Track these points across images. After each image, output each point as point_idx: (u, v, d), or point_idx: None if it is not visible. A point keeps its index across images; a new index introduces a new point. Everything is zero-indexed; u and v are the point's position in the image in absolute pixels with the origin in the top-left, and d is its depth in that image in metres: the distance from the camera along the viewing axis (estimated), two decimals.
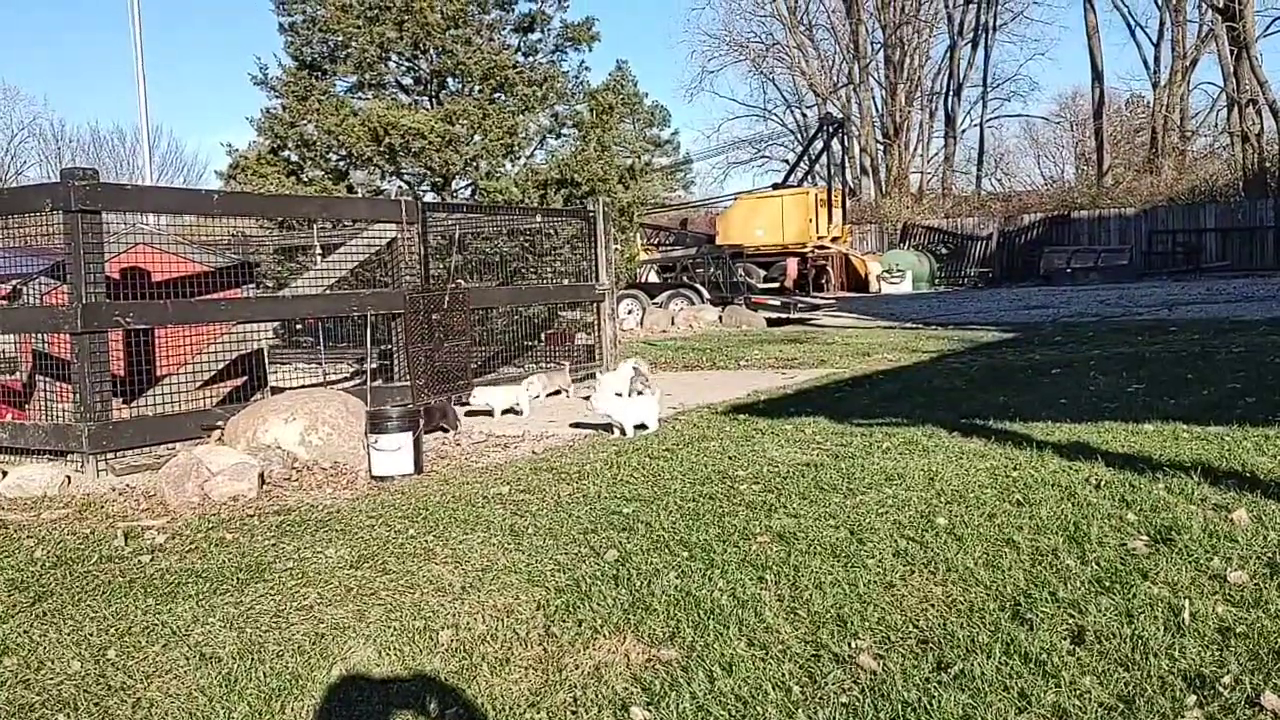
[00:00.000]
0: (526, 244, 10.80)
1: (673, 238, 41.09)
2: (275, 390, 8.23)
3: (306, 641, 3.24)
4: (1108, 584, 3.24)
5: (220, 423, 7.10)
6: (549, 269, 10.98)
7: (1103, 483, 4.56)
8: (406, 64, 14.98)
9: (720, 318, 18.00)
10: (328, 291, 8.11)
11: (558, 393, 8.74)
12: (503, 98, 14.91)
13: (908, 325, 16.90)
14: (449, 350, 9.07)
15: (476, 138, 14.53)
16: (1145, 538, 3.71)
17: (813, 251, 36.47)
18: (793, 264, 36.09)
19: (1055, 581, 3.29)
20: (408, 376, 8.57)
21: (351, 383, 10.86)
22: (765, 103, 66.44)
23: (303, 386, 9.11)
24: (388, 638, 3.22)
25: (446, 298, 8.90)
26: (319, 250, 8.79)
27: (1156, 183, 41.65)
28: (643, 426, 7.12)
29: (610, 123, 16.05)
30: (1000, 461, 5.26)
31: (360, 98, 15.12)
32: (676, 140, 64.91)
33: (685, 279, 21.74)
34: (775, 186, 39.48)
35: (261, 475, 5.94)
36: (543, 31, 15.88)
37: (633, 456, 6.06)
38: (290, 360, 12.12)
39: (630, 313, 19.57)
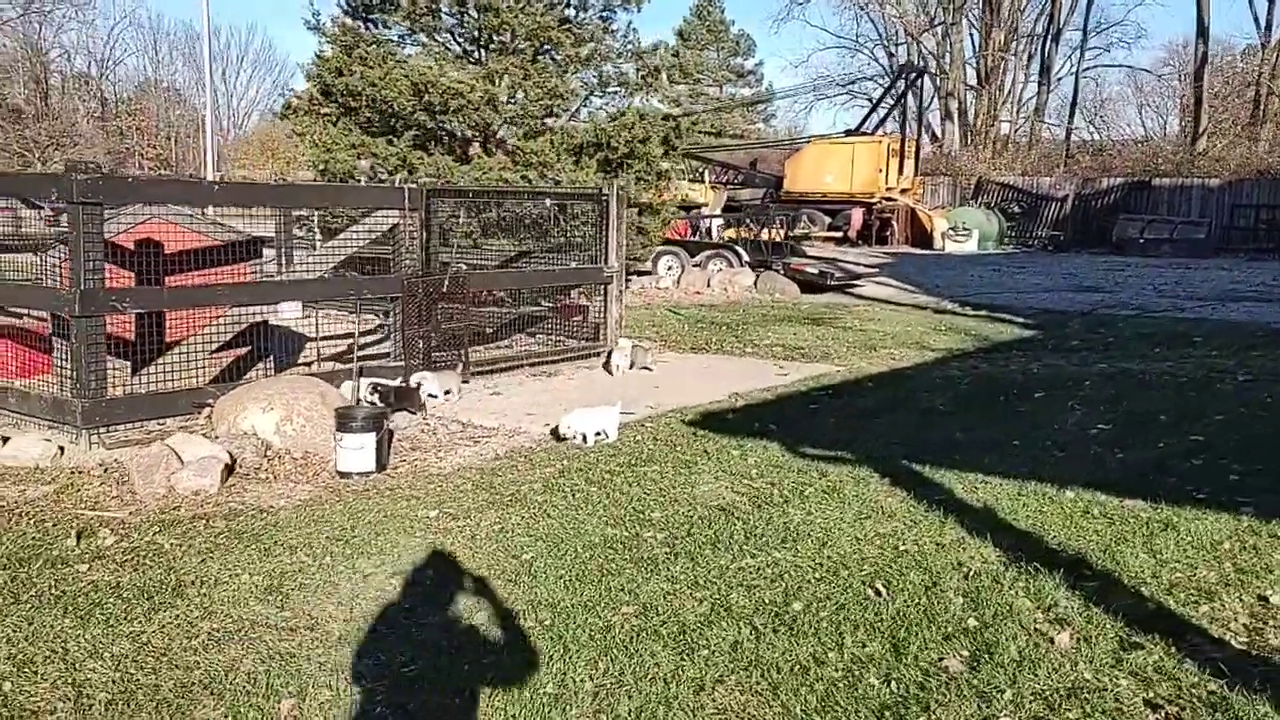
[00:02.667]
0: (538, 225, 11.04)
1: (741, 177, 40.90)
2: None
3: (171, 695, 3.66)
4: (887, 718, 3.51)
5: (211, 400, 7.60)
6: (560, 248, 11.21)
7: (973, 573, 4.77)
8: (454, 19, 15.14)
9: (755, 283, 18.08)
10: (326, 276, 8.51)
11: (448, 392, 8.94)
12: (546, 58, 15.03)
13: (941, 306, 16.84)
14: (446, 334, 9.44)
15: (519, 96, 14.71)
16: (964, 654, 3.94)
17: (880, 202, 36.11)
18: (858, 214, 35.83)
19: (844, 706, 3.57)
20: (402, 356, 8.98)
21: (374, 336, 11.34)
22: (857, 36, 64.66)
23: (308, 367, 9.53)
24: (240, 700, 3.62)
25: (446, 282, 9.25)
26: (318, 236, 9.17)
27: (1250, 152, 40.07)
28: (602, 434, 7.43)
29: (657, 84, 16.06)
30: (903, 525, 5.48)
31: (410, 50, 15.37)
32: (760, 71, 63.89)
33: (728, 235, 21.76)
34: (849, 132, 38.94)
35: (228, 467, 6.41)
36: None
37: (573, 478, 6.39)
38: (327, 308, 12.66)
39: (670, 269, 19.74)
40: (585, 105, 15.78)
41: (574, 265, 10.78)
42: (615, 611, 4.36)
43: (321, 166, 14.25)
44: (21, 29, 58.96)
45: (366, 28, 15.49)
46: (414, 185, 8.97)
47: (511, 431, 7.87)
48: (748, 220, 22.39)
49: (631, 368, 10.35)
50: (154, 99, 63.67)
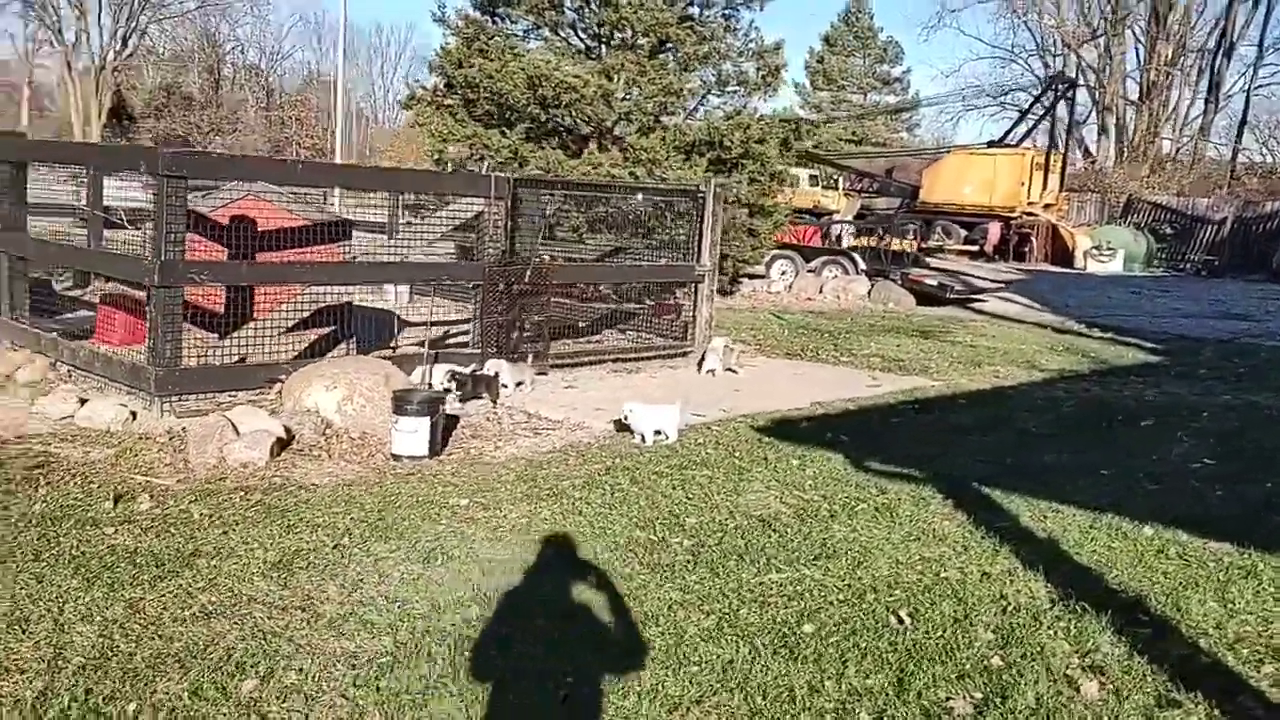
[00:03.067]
0: (637, 221, 10.87)
1: (876, 185, 40.00)
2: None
3: (143, 665, 3.63)
4: None
5: (283, 377, 7.70)
6: (660, 245, 11.02)
7: (1013, 607, 4.39)
8: (575, 14, 15.14)
9: (869, 292, 17.55)
10: (406, 259, 8.54)
11: (520, 384, 8.82)
12: (664, 56, 14.89)
13: (1065, 326, 16.00)
14: (527, 324, 9.38)
15: (634, 92, 14.61)
16: (975, 696, 3.60)
17: (1020, 217, 34.70)
18: (995, 228, 34.53)
19: None
20: (480, 344, 8.96)
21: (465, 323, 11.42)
22: (1012, 46, 62.55)
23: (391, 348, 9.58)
24: (205, 676, 3.56)
25: (529, 271, 9.19)
26: (400, 219, 9.22)
27: None
28: (661, 434, 7.22)
29: (776, 84, 15.75)
30: (951, 550, 5.11)
31: (533, 45, 15.44)
32: (907, 79, 62.43)
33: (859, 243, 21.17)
34: (991, 143, 37.62)
35: (281, 441, 6.45)
36: None
37: (618, 476, 6.21)
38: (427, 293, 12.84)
39: (783, 273, 19.34)
40: (702, 104, 15.58)
41: (663, 262, 10.57)
42: (617, 619, 4.16)
43: (436, 156, 14.44)
44: (200, 21, 62.46)
45: (493, 22, 15.64)
46: (501, 174, 8.92)
47: (575, 425, 7.74)
48: (879, 229, 21.79)
49: (715, 372, 10.14)
50: (315, 91, 66.28)
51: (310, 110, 64.36)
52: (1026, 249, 34.89)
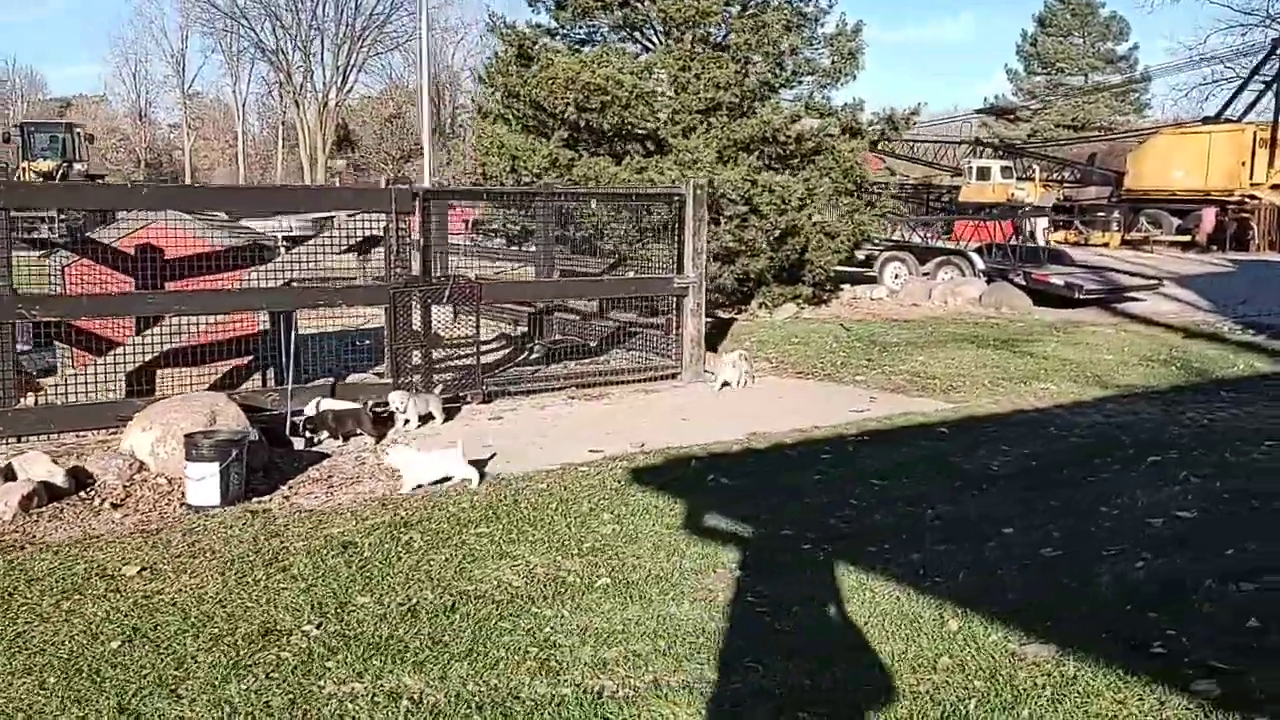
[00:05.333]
0: (598, 229, 9.84)
1: (1077, 174, 36.56)
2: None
3: None
4: None
5: (133, 414, 7.24)
6: (625, 255, 9.95)
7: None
8: (620, 13, 14.21)
9: (981, 297, 15.57)
10: (291, 284, 7.92)
11: (426, 418, 7.92)
12: (705, 49, 13.72)
13: (1210, 330, 13.54)
14: (450, 348, 8.59)
15: (678, 92, 13.53)
16: None
17: (1240, 201, 30.58)
18: (1209, 214, 30.63)
19: None
20: (393, 374, 8.23)
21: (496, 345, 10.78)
22: (1269, 13, 55.75)
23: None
24: None
25: (447, 292, 8.39)
26: (285, 242, 8.62)
27: None
28: (456, 479, 6.29)
29: (849, 69, 14.24)
30: (648, 648, 3.89)
31: (588, 51, 14.65)
32: (1134, 56, 57.12)
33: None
34: (1207, 120, 33.54)
35: (39, 492, 5.90)
36: None
37: (370, 537, 5.29)
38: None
39: (896, 277, 17.58)
40: (766, 99, 14.20)
41: (631, 275, 9.49)
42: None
43: (479, 169, 13.89)
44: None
45: (538, 31, 14.91)
46: (403, 187, 8.17)
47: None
48: (1017, 222, 19.51)
49: (730, 385, 9.29)
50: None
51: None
52: (1248, 236, 30.70)
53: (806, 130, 13.81)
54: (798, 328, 13.07)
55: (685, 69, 13.30)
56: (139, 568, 4.86)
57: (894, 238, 18.48)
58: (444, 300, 8.39)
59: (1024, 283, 15.63)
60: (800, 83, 14.58)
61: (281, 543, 5.22)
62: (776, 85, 14.30)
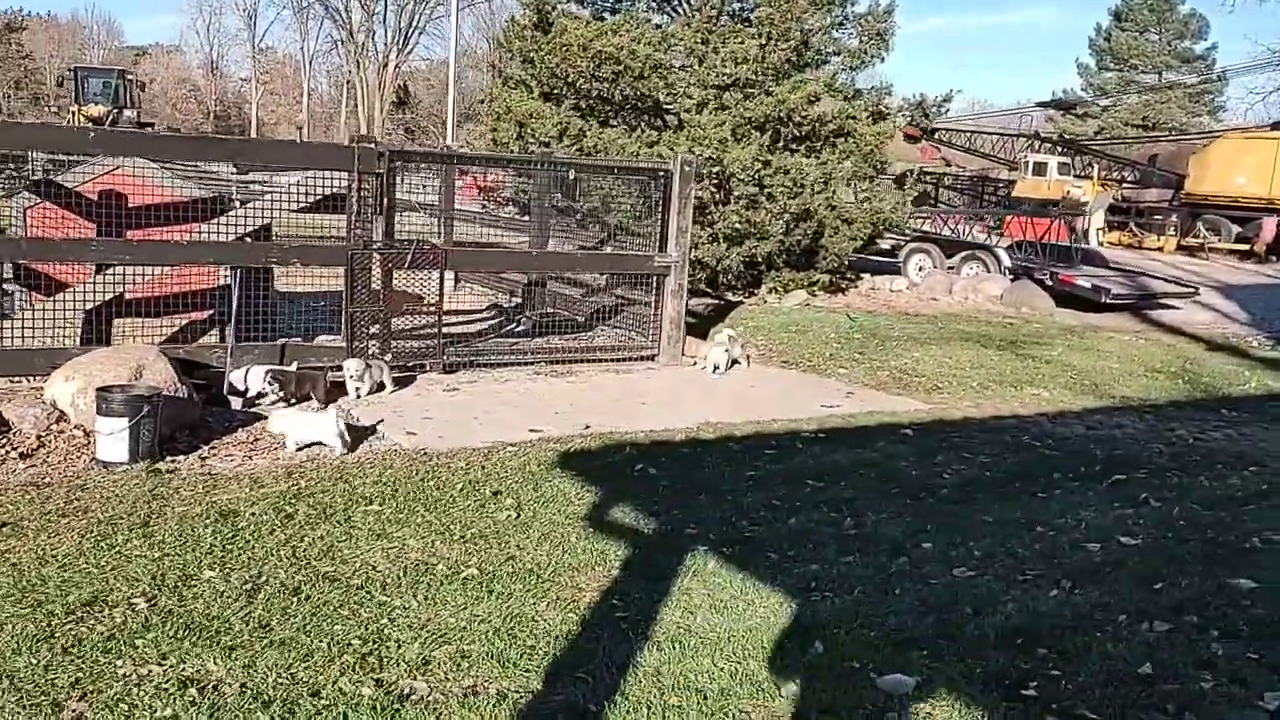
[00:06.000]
0: (575, 202, 9.52)
1: (1138, 175, 35.39)
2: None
3: None
4: None
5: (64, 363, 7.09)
6: (613, 230, 9.62)
7: None
8: None
9: (1002, 295, 14.99)
10: (245, 241, 7.71)
11: (379, 387, 7.73)
12: (727, 21, 13.28)
13: (1233, 343, 12.92)
14: (409, 315, 8.36)
15: (695, 64, 13.12)
16: None
17: None
18: (1270, 224, 29.48)
19: None
20: (348, 339, 8.01)
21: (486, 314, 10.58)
22: None
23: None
24: None
25: (409, 256, 8.14)
26: (236, 197, 8.40)
27: None
28: (318, 444, 6.16)
29: (876, 51, 13.72)
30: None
31: (606, 17, 14.29)
32: (1212, 56, 55.19)
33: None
34: (1276, 125, 32.21)
35: None
36: None
37: (252, 508, 5.06)
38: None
39: (920, 269, 17.02)
40: (788, 76, 13.70)
41: (609, 250, 9.16)
42: None
43: (490, 134, 13.62)
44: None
45: (579, 3, 14.56)
46: (369, 145, 7.91)
47: (377, 438, 6.63)
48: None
49: (719, 369, 9.05)
50: None
51: None
52: None
53: (827, 112, 13.32)
54: (802, 315, 12.66)
55: (704, 42, 12.88)
56: (1, 523, 4.68)
57: (923, 228, 17.91)
58: (405, 265, 8.14)
59: (1050, 283, 15.03)
60: (827, 63, 14.08)
61: (162, 505, 5.03)
62: (801, 64, 13.80)
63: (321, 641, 3.67)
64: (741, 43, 12.87)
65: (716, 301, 13.17)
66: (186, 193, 8.40)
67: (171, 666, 3.45)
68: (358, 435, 6.44)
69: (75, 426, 6.34)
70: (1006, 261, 15.93)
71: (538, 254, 9.59)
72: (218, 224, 7.66)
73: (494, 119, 13.74)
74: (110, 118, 32.94)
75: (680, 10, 14.27)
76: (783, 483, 5.90)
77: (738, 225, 12.57)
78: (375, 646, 3.66)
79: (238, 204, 7.97)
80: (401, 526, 4.90)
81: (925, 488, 5.95)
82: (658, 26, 13.64)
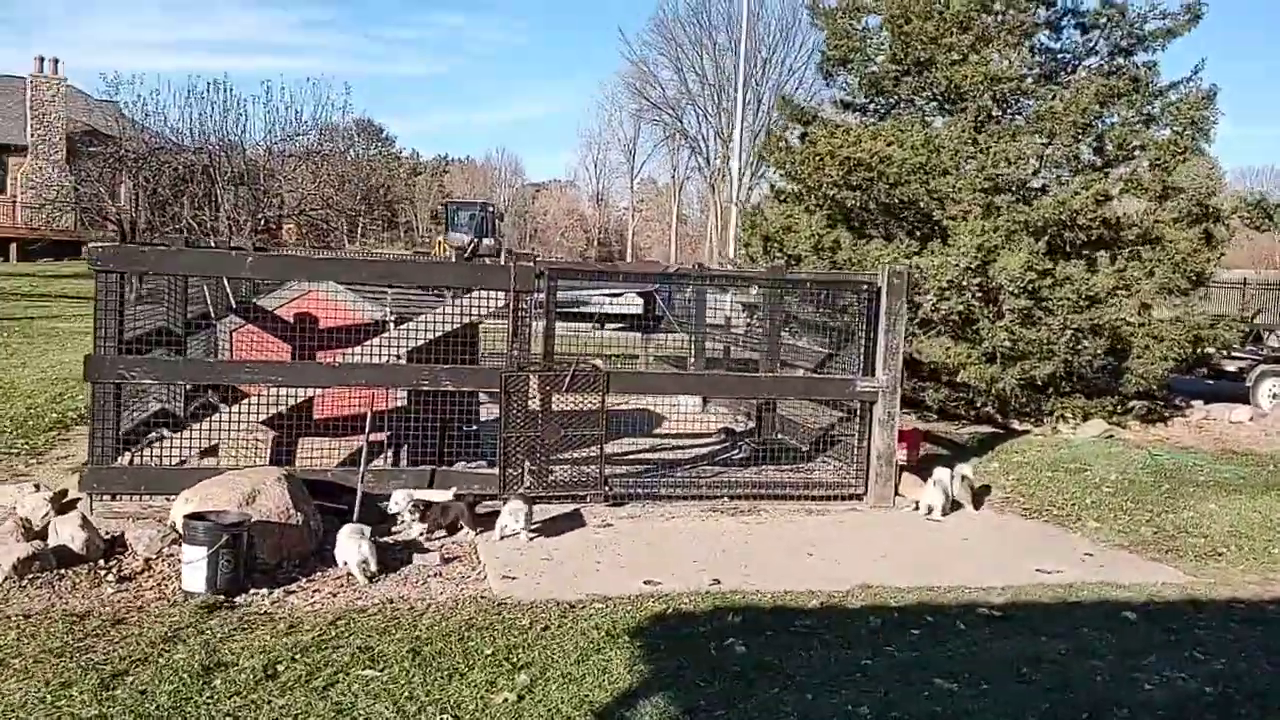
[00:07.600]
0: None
1: None
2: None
3: None
4: None
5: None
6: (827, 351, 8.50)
7: None
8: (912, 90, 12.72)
9: None
10: (392, 363, 7.46)
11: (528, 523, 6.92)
12: (1001, 117, 11.86)
13: None
14: (566, 442, 7.74)
15: (965, 166, 11.80)
16: None
17: None
18: None
19: None
20: (501, 466, 7.53)
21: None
22: None
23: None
24: None
25: (568, 378, 7.58)
26: (391, 316, 8.13)
27: None
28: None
29: (1192, 143, 11.71)
30: None
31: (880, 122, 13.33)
32: None
33: None
34: None
35: (30, 560, 5.69)
36: (1104, 29, 12.14)
37: (179, 674, 4.56)
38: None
39: (1274, 397, 14.09)
40: (1073, 177, 11.93)
41: (800, 373, 8.08)
42: None
43: (757, 251, 12.95)
44: None
45: (857, 111, 13.76)
46: (525, 264, 7.49)
47: (477, 579, 6.03)
48: None
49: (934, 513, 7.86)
50: None
51: None
52: None
53: (1130, 214, 11.45)
54: (1091, 450, 10.65)
55: (972, 142, 11.55)
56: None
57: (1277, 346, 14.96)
58: (563, 388, 7.57)
59: None
60: (1132, 158, 12.17)
61: (164, 651, 4.65)
62: (1103, 163, 12.04)
63: None
64: (1015, 139, 11.41)
65: (989, 429, 11.50)
66: (367, 315, 8.42)
67: None
68: (435, 570, 5.92)
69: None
70: None
71: (708, 376, 8.70)
72: (371, 346, 7.50)
73: (747, 232, 13.09)
74: (472, 247, 35.88)
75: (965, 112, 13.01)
76: (899, 680, 4.56)
77: (1008, 343, 10.94)
78: None
79: (391, 325, 7.78)
80: (376, 703, 4.16)
81: (1099, 705, 4.36)
82: (926, 129, 12.43)
